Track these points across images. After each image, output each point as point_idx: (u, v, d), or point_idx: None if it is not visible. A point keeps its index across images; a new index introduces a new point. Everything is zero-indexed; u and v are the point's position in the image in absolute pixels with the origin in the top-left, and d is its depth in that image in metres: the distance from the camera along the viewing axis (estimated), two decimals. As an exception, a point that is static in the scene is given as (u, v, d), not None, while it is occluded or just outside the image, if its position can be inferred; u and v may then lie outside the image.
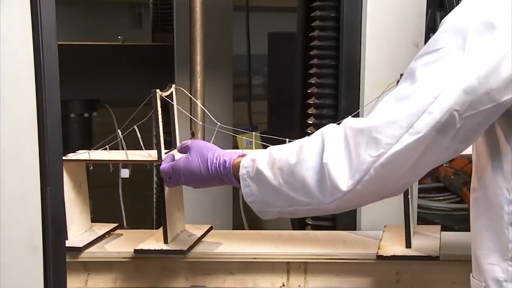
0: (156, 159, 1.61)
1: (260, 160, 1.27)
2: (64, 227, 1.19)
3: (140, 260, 1.66)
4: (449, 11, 1.10)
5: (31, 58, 1.09)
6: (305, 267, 1.66)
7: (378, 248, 1.62)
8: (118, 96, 2.58)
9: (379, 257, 1.59)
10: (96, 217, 1.97)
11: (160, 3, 2.64)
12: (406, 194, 1.62)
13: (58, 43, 1.11)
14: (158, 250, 1.61)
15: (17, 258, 1.10)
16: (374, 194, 1.16)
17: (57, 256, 1.15)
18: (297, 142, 1.24)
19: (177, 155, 1.54)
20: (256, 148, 2.09)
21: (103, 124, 2.51)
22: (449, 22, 1.06)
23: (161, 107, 1.60)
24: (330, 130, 1.18)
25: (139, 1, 3.38)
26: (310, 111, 1.95)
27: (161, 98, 1.59)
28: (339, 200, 1.15)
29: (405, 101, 1.06)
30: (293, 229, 2.16)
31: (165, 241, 1.64)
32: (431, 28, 2.70)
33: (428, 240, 1.68)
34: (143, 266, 1.66)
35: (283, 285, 1.67)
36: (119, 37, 2.53)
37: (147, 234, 1.76)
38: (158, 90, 1.60)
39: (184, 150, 1.49)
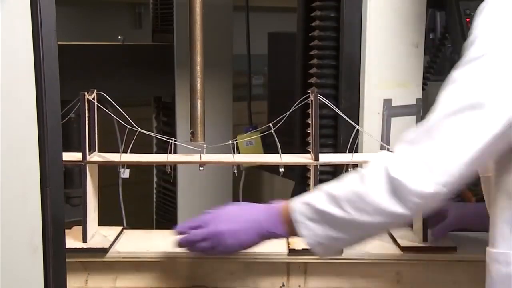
0: (81, 159, 1.62)
1: (315, 201, 1.29)
2: (63, 228, 1.19)
3: (140, 260, 1.66)
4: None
5: (31, 58, 1.08)
6: (305, 267, 1.66)
7: (288, 245, 1.66)
8: (118, 96, 2.58)
9: (291, 251, 1.64)
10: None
11: (160, 3, 2.64)
12: None
13: (58, 43, 1.11)
14: (79, 248, 1.62)
15: (17, 258, 1.10)
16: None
17: (57, 256, 1.15)
18: (351, 175, 1.27)
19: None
20: (256, 147, 2.08)
21: (103, 124, 2.50)
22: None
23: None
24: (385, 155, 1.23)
25: (139, 1, 3.38)
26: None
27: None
28: (417, 206, 1.17)
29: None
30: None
31: (84, 240, 1.65)
32: (431, 28, 2.70)
33: None
34: (142, 266, 1.66)
35: (283, 285, 1.67)
36: (119, 37, 2.52)
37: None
38: (86, 93, 1.62)
39: None
